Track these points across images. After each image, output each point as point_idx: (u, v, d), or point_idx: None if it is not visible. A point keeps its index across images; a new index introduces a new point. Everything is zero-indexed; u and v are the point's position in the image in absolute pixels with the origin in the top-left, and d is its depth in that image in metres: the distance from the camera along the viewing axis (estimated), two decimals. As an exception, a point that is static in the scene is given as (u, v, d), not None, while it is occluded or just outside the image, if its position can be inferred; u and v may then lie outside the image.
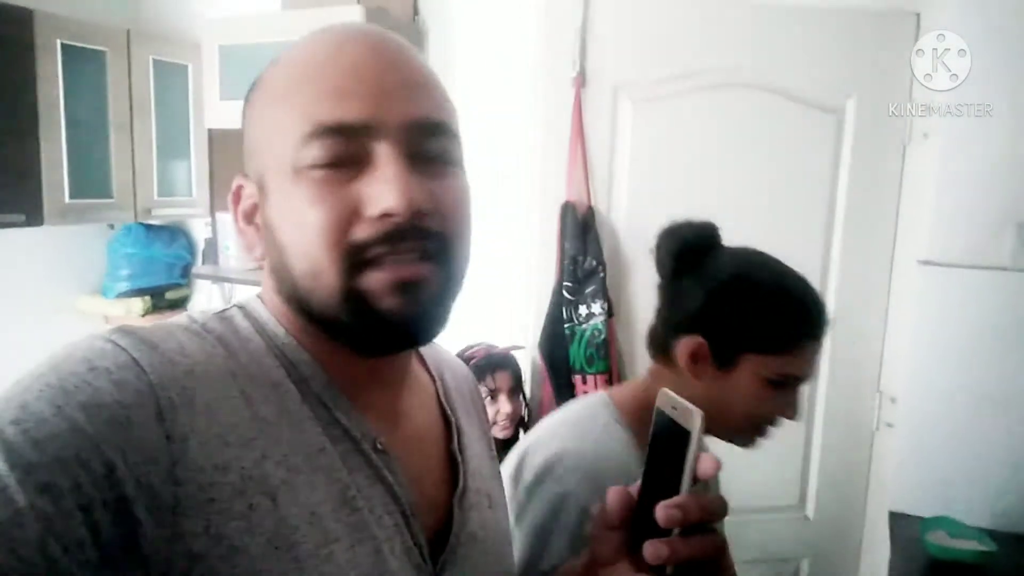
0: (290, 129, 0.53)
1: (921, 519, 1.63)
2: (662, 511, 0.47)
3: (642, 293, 1.95)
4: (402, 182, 0.51)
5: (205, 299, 2.72)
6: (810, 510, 2.01)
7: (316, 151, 0.52)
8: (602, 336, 1.83)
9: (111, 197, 2.35)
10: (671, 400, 0.52)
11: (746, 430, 0.96)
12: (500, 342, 1.95)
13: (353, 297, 0.53)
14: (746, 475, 1.23)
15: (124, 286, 2.62)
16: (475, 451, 0.71)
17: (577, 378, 1.86)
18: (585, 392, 1.85)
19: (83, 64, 2.22)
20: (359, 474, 0.55)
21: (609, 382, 1.85)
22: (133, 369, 0.46)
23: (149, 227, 2.65)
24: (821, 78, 1.86)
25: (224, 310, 0.59)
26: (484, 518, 0.67)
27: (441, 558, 0.60)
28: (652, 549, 0.48)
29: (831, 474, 1.98)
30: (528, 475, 0.92)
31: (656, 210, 1.96)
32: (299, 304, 0.56)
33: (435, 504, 0.63)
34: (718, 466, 0.49)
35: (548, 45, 1.90)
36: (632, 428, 0.95)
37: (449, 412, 0.70)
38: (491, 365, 1.84)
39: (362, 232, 0.52)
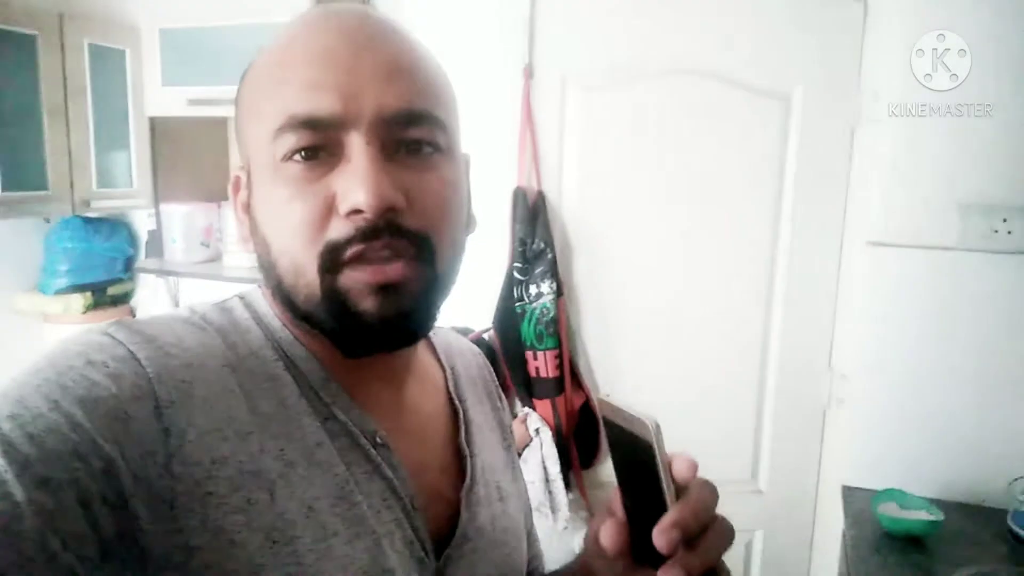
0: (266, 121, 0.52)
1: (872, 492, 1.69)
2: (661, 539, 0.45)
3: (590, 273, 2.00)
4: (371, 178, 0.50)
5: (150, 293, 2.63)
6: (762, 483, 2.06)
7: (288, 145, 0.51)
8: (550, 314, 1.91)
9: (46, 189, 2.24)
10: (616, 411, 0.49)
11: None
12: (457, 322, 1.96)
13: (333, 297, 0.52)
14: (698, 449, 1.23)
15: (63, 282, 2.51)
16: (486, 442, 0.70)
17: (528, 354, 1.94)
18: (536, 368, 1.92)
19: (12, 49, 2.10)
20: (358, 468, 0.55)
21: (559, 357, 1.93)
22: (130, 363, 0.46)
23: (88, 220, 2.55)
24: (768, 64, 1.89)
25: (225, 300, 0.59)
26: (494, 512, 0.66)
27: (445, 552, 0.59)
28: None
29: (783, 449, 2.03)
30: None
31: (605, 195, 2.04)
32: (286, 299, 0.55)
33: (442, 497, 0.62)
34: (695, 466, 0.48)
35: (497, 36, 1.92)
36: None
37: (457, 403, 0.68)
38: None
39: (336, 230, 0.51)
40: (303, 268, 0.52)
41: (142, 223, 2.61)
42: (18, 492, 0.39)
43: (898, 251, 1.74)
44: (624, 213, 1.96)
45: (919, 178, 1.72)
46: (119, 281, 2.64)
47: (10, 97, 2.10)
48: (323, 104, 0.51)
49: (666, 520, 0.45)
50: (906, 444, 1.77)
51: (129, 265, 2.65)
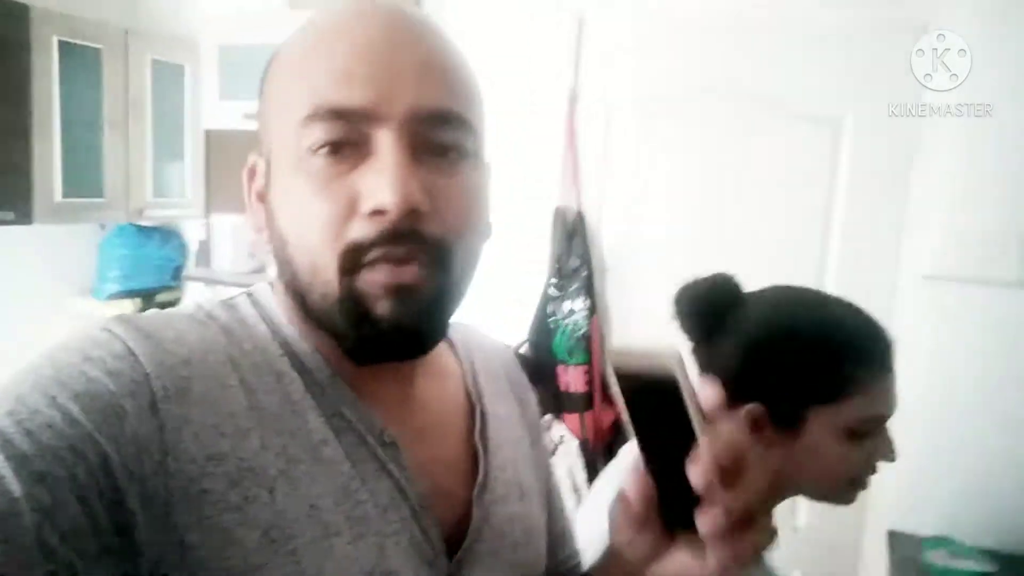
0: (294, 109, 0.51)
1: (919, 538, 1.61)
2: (698, 476, 0.41)
3: (625, 294, 2.02)
4: (399, 176, 0.48)
5: (196, 301, 2.68)
6: (801, 520, 1.99)
7: (316, 135, 0.50)
8: (581, 331, 1.95)
9: (103, 196, 2.32)
10: (630, 355, 0.43)
11: (840, 489, 0.85)
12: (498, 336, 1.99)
13: (350, 299, 0.51)
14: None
15: (115, 287, 2.59)
16: (506, 437, 0.67)
17: (559, 368, 1.97)
18: (566, 383, 1.93)
19: (79, 62, 2.20)
20: (364, 467, 0.53)
21: (589, 373, 1.95)
22: (128, 359, 0.46)
23: (141, 228, 2.62)
24: (820, 89, 1.84)
25: (232, 297, 0.58)
26: (512, 511, 0.63)
27: (458, 553, 0.57)
28: (709, 521, 0.42)
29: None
30: None
31: (644, 218, 2.04)
32: (298, 297, 0.54)
33: (456, 496, 0.60)
34: (722, 393, 0.44)
35: (544, 61, 1.95)
36: None
37: (475, 398, 0.66)
38: None
39: (358, 231, 0.50)
40: (322, 268, 0.51)
41: (193, 233, 2.68)
42: (15, 487, 0.39)
43: (955, 285, 1.67)
44: (664, 237, 1.95)
45: (978, 208, 1.65)
46: (168, 288, 2.71)
47: (74, 108, 2.18)
48: (355, 95, 0.49)
49: (700, 452, 0.42)
50: (959, 490, 1.68)
51: (178, 273, 2.71)
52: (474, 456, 0.63)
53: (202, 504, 0.45)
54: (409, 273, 0.50)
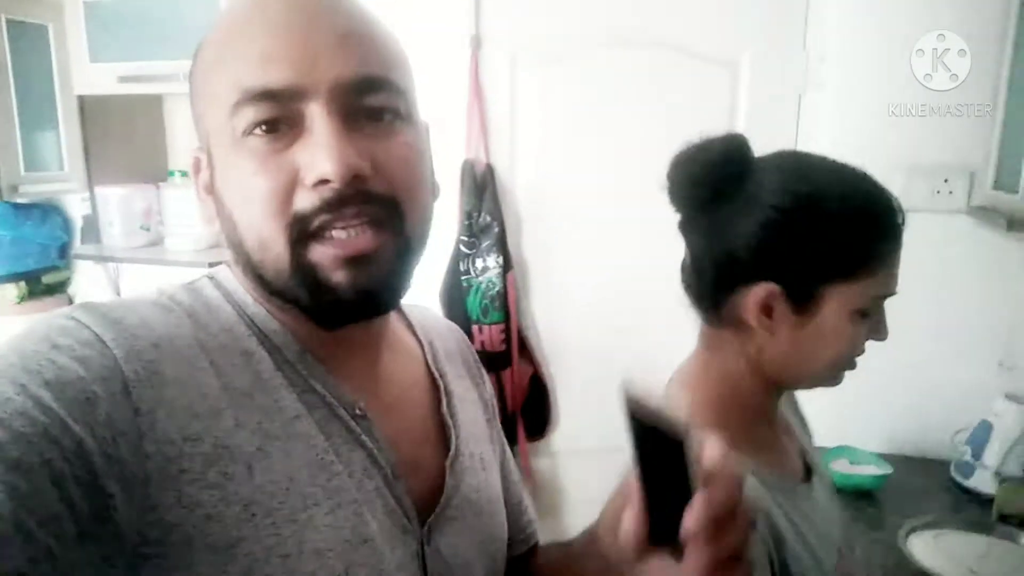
0: (222, 98, 0.52)
1: (824, 450, 1.74)
2: (691, 526, 0.43)
3: (540, 247, 1.99)
4: (335, 146, 0.49)
5: (88, 281, 2.52)
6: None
7: (247, 119, 0.51)
8: (496, 288, 1.91)
9: (-31, 174, 2.12)
10: (646, 407, 0.45)
11: (835, 371, 0.79)
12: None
13: (302, 270, 0.52)
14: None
15: (-5, 271, 2.39)
16: (468, 414, 0.70)
17: (474, 328, 1.93)
18: (481, 342, 1.91)
19: (-78, 26, 1.97)
20: (338, 439, 0.55)
21: (506, 332, 1.92)
22: (96, 345, 0.46)
23: (17, 206, 2.42)
24: (715, 32, 1.88)
25: (193, 281, 0.59)
26: (478, 480, 0.67)
27: (430, 520, 0.60)
28: (692, 564, 0.43)
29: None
30: None
31: (555, 167, 2.03)
32: (255, 275, 0.55)
33: (424, 467, 0.62)
34: (723, 450, 0.45)
35: (441, 5, 1.88)
36: (738, 434, 0.66)
37: (438, 376, 0.69)
38: None
39: (304, 201, 0.51)
40: (270, 242, 0.52)
41: (76, 208, 2.49)
42: None
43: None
44: (574, 186, 1.95)
45: (866, 142, 1.74)
46: (54, 269, 2.52)
47: (-77, 77, 1.97)
48: (278, 75, 0.50)
49: (695, 507, 0.43)
50: (854, 400, 1.81)
51: (64, 252, 2.53)
52: (441, 429, 0.66)
53: (181, 484, 0.46)
54: (363, 242, 0.52)
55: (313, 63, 0.50)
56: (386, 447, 0.58)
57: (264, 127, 0.51)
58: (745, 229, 0.74)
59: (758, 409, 0.82)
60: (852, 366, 0.80)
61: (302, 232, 0.51)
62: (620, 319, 1.98)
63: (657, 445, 0.46)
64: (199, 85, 0.56)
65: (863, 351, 0.80)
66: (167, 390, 0.47)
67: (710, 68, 1.89)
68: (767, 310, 0.75)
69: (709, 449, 0.45)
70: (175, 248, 2.18)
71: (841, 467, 1.64)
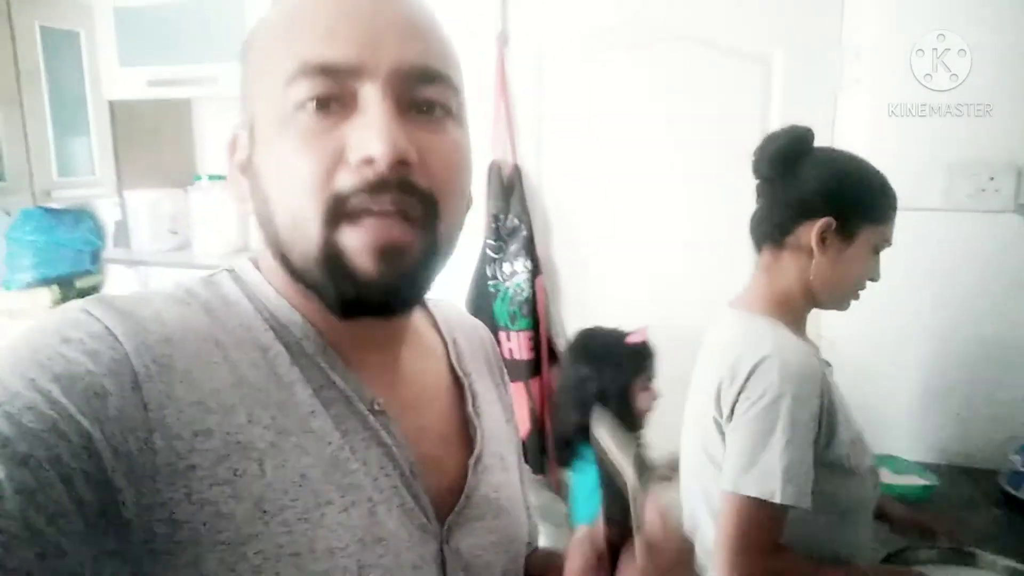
0: (279, 70, 0.51)
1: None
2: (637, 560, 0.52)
3: (570, 250, 1.93)
4: (385, 127, 0.49)
5: (118, 285, 2.54)
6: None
7: (301, 91, 0.50)
8: (524, 294, 1.86)
9: (3, 180, 2.15)
10: (609, 454, 0.54)
11: (850, 295, 1.15)
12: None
13: (330, 252, 0.51)
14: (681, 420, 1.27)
15: (28, 276, 2.43)
16: (491, 414, 0.70)
17: (501, 335, 1.88)
18: (509, 349, 1.85)
19: (-42, 34, 2.00)
20: (355, 436, 0.54)
21: (534, 339, 1.87)
22: (107, 339, 0.46)
23: (51, 211, 2.45)
24: (748, 28, 1.83)
25: (212, 275, 0.58)
26: (498, 480, 0.66)
27: (449, 519, 0.59)
28: None
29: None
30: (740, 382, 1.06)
31: (585, 168, 1.99)
32: (281, 256, 0.54)
33: (444, 466, 0.62)
34: (662, 513, 0.52)
35: (469, 4, 1.85)
36: (789, 326, 1.11)
37: (462, 375, 0.68)
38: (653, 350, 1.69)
39: (345, 180, 0.50)
40: (304, 221, 0.51)
41: (108, 212, 2.52)
42: None
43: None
44: (605, 187, 1.90)
45: (904, 138, 1.68)
46: (87, 273, 2.55)
47: (-42, 84, 2.00)
48: (340, 51, 0.50)
49: (636, 547, 0.52)
50: (897, 409, 1.75)
51: (96, 256, 2.56)
52: (463, 428, 0.66)
53: (190, 479, 0.45)
54: (396, 230, 0.50)
55: (376, 45, 0.51)
56: (404, 444, 0.57)
57: (316, 103, 0.50)
58: (811, 185, 1.10)
59: (800, 313, 1.16)
60: (858, 296, 1.16)
61: (337, 212, 0.50)
62: (654, 325, 1.92)
63: (611, 482, 0.54)
64: (253, 60, 0.56)
65: (865, 286, 1.15)
66: (178, 385, 0.47)
67: (743, 64, 1.84)
68: (823, 236, 1.09)
69: (650, 508, 0.52)
70: (203, 251, 2.19)
71: (884, 476, 1.57)
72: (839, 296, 1.14)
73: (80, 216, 2.54)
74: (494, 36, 1.84)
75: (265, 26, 0.56)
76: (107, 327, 0.46)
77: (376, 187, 0.49)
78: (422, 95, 0.52)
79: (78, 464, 0.41)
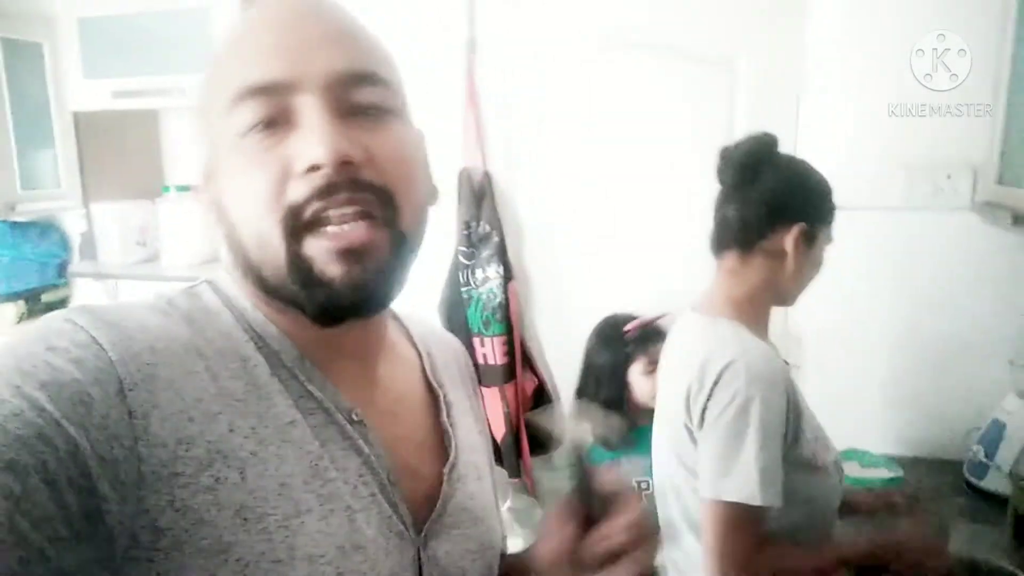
0: (222, 100, 0.53)
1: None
2: (595, 548, 0.55)
3: (541, 255, 1.95)
4: (325, 132, 0.50)
5: (86, 298, 2.50)
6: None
7: (244, 117, 0.52)
8: (497, 299, 1.86)
9: (-35, 194, 2.11)
10: (576, 445, 0.59)
11: (803, 290, 1.20)
12: (402, 309, 1.92)
13: (298, 265, 0.52)
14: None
15: (-7, 290, 2.38)
16: (464, 423, 0.71)
17: (475, 340, 1.88)
18: (483, 355, 1.86)
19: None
20: (333, 445, 0.55)
21: (508, 344, 1.87)
22: (92, 347, 0.46)
23: (15, 224, 2.40)
24: (710, 33, 1.87)
25: (192, 286, 0.59)
26: (472, 489, 0.67)
27: (426, 527, 0.60)
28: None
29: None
30: (708, 383, 1.07)
31: (555, 174, 2.00)
32: (254, 276, 0.55)
33: (420, 474, 0.63)
34: (620, 481, 0.57)
35: (436, 12, 1.87)
36: (752, 328, 1.14)
37: (436, 386, 0.70)
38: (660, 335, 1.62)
39: (296, 191, 0.51)
40: (267, 237, 0.52)
41: (74, 225, 2.48)
42: None
43: (847, 214, 1.74)
44: (575, 192, 1.93)
45: (862, 142, 1.72)
46: (53, 287, 2.51)
47: (-83, 97, 1.96)
48: (271, 69, 0.52)
49: (598, 533, 0.54)
50: (861, 404, 1.79)
51: (63, 270, 2.51)
52: (438, 437, 0.67)
53: (174, 487, 0.46)
54: (357, 235, 0.52)
55: (305, 58, 0.52)
56: (382, 453, 0.58)
57: (260, 125, 0.52)
58: (781, 191, 1.14)
59: (763, 315, 1.19)
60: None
61: (296, 224, 0.51)
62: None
63: (582, 475, 0.58)
64: (204, 97, 0.57)
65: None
66: (162, 393, 0.47)
67: (707, 69, 1.88)
68: (797, 242, 1.13)
69: (604, 474, 0.56)
70: (171, 264, 2.17)
71: (852, 471, 1.61)
72: (798, 294, 1.20)
73: (46, 229, 2.50)
74: (462, 43, 1.86)
75: (210, 64, 0.58)
76: (92, 336, 0.47)
77: (326, 191, 0.51)
78: (359, 99, 0.54)
79: (63, 471, 0.41)
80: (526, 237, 1.96)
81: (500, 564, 0.76)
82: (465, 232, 1.87)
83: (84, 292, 2.52)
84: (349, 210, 0.51)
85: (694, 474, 1.11)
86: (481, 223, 1.87)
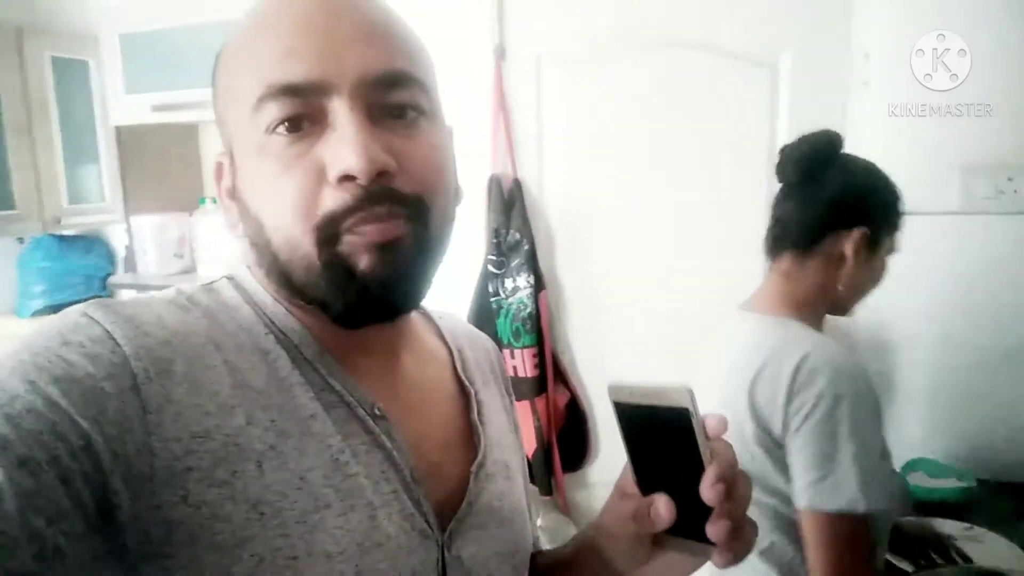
0: (246, 95, 0.52)
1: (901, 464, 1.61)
2: (711, 492, 0.49)
3: (573, 264, 1.89)
4: (360, 141, 0.49)
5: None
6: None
7: (270, 116, 0.51)
8: (527, 310, 1.81)
9: (14, 208, 2.18)
10: (635, 390, 0.52)
11: (863, 299, 1.14)
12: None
13: (332, 263, 0.52)
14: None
15: (39, 303, 2.45)
16: (495, 422, 0.70)
17: (506, 352, 1.81)
18: (513, 367, 1.80)
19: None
20: (355, 439, 0.55)
21: (539, 356, 1.81)
22: (107, 342, 0.46)
23: (63, 238, 2.49)
24: (753, 32, 1.80)
25: (212, 281, 0.59)
26: (502, 488, 0.66)
27: (450, 525, 0.59)
28: (721, 528, 0.49)
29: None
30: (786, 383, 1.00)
31: (587, 180, 1.93)
32: (281, 275, 0.55)
33: (447, 472, 0.62)
34: (725, 421, 0.51)
35: (464, 15, 1.83)
36: (811, 325, 1.09)
37: (467, 383, 0.69)
38: None
39: (331, 201, 0.50)
40: (299, 242, 0.51)
41: (118, 238, 2.54)
42: None
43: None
44: (608, 198, 1.86)
45: (917, 142, 1.63)
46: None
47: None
48: (301, 69, 0.50)
49: (712, 475, 0.49)
50: (931, 413, 1.69)
51: (107, 283, 2.58)
52: (467, 435, 0.66)
53: (187, 481, 0.46)
54: (392, 229, 0.51)
55: (337, 58, 0.51)
56: (405, 449, 0.57)
57: (287, 125, 0.51)
58: (844, 194, 1.08)
59: (819, 319, 1.13)
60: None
61: (334, 231, 0.51)
62: (661, 339, 1.86)
63: (653, 427, 0.52)
64: (222, 86, 0.56)
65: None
66: (177, 388, 0.47)
67: (748, 69, 1.80)
68: (858, 247, 1.07)
69: (711, 419, 0.51)
70: (207, 275, 2.17)
71: (919, 480, 1.53)
72: (857, 303, 1.14)
73: (91, 243, 2.57)
74: (491, 49, 1.82)
75: (228, 50, 0.56)
76: (107, 330, 0.47)
77: (365, 202, 0.50)
78: (392, 100, 0.53)
79: (77, 466, 0.41)
80: (557, 245, 1.90)
81: (539, 559, 0.75)
82: (494, 240, 1.82)
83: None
84: (383, 210, 0.51)
85: (756, 476, 1.02)
86: (511, 231, 1.81)
